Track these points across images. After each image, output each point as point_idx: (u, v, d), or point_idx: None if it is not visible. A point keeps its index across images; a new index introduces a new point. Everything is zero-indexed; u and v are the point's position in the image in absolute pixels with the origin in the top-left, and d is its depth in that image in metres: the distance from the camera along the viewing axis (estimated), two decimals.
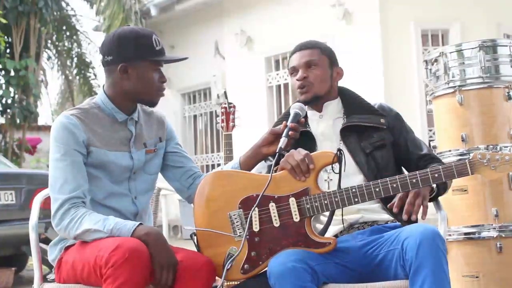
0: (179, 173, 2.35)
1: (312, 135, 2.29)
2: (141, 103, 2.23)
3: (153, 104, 2.21)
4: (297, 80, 2.29)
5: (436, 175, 1.97)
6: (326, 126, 2.31)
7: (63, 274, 2.13)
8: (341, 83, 2.40)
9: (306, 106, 2.28)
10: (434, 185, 2.13)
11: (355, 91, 2.41)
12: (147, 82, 2.14)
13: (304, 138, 2.22)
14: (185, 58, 2.30)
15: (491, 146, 3.10)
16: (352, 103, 2.34)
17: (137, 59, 2.11)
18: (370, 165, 2.22)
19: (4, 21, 8.03)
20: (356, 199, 2.00)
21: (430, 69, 3.37)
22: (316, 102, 2.31)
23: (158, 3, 9.97)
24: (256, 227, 2.04)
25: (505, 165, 1.94)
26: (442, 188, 2.21)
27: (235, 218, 2.06)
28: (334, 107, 2.34)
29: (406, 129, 2.34)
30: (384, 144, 2.26)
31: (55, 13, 10.36)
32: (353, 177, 2.18)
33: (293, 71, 2.33)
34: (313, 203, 2.01)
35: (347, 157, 2.16)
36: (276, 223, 2.03)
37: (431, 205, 2.29)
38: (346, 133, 2.27)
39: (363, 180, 2.18)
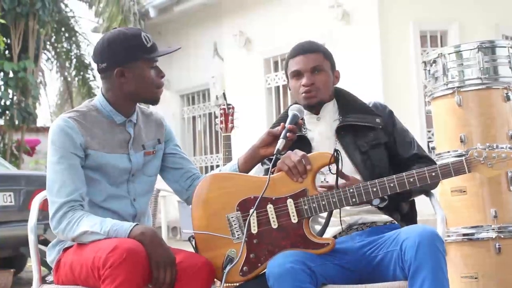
0: (178, 174, 2.35)
1: (308, 139, 2.27)
2: (144, 102, 2.23)
3: (155, 101, 2.20)
4: (304, 85, 2.27)
5: (434, 173, 1.97)
6: (323, 128, 2.30)
7: (61, 275, 2.12)
8: (340, 83, 2.39)
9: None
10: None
11: (352, 92, 2.39)
12: (146, 81, 2.14)
13: (300, 143, 2.21)
14: (178, 49, 2.30)
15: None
16: (347, 104, 2.33)
17: (131, 61, 2.11)
18: (367, 164, 2.21)
19: (2, 21, 8.02)
20: (353, 199, 2.00)
21: (429, 70, 3.36)
22: (318, 107, 2.30)
23: (157, 5, 9.97)
24: (254, 229, 2.03)
25: (502, 163, 1.94)
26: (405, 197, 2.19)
27: (233, 221, 2.06)
28: (330, 109, 2.32)
29: (397, 130, 2.31)
30: (379, 143, 2.26)
31: (53, 15, 10.36)
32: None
33: (297, 74, 2.30)
34: (310, 204, 2.01)
35: (344, 157, 2.16)
36: (274, 224, 2.03)
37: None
38: (342, 133, 2.26)
39: (360, 180, 2.17)
